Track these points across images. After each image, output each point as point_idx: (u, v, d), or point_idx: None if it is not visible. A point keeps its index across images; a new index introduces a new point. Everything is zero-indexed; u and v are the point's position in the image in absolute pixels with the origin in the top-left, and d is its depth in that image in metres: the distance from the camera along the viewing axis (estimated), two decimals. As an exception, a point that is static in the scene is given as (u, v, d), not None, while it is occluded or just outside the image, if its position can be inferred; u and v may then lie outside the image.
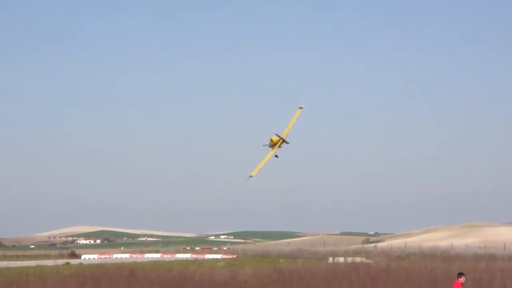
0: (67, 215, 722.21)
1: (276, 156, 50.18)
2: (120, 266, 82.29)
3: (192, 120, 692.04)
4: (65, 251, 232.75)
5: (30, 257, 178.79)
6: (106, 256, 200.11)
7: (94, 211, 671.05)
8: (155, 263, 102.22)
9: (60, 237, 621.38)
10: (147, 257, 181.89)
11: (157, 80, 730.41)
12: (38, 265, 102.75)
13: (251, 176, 50.71)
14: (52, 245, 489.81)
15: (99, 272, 67.27)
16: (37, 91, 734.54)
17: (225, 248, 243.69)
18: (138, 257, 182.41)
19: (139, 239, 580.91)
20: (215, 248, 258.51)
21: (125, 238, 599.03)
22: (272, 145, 50.51)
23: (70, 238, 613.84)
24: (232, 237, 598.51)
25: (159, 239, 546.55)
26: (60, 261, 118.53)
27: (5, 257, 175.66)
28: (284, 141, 50.65)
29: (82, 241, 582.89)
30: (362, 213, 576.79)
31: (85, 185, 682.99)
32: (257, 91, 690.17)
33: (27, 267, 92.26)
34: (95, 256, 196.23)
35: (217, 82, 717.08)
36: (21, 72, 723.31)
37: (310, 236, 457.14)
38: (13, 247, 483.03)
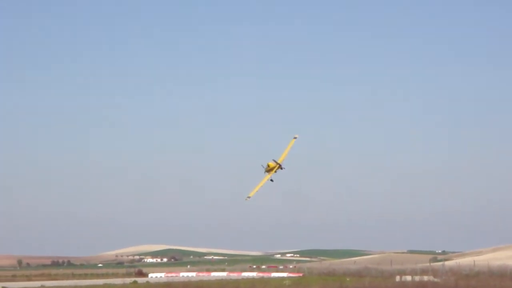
0: (134, 234, 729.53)
1: (271, 180, 54.28)
2: (186, 285, 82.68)
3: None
4: (132, 270, 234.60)
5: (98, 276, 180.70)
6: (173, 274, 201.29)
7: (161, 230, 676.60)
8: (221, 281, 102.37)
9: (128, 256, 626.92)
10: (214, 276, 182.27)
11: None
12: (105, 284, 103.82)
13: (249, 197, 54.64)
14: (120, 264, 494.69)
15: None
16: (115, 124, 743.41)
17: (291, 267, 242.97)
18: (204, 276, 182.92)
19: (205, 257, 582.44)
20: (281, 267, 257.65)
21: (191, 257, 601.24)
22: (269, 170, 54.37)
23: (137, 257, 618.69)
24: (298, 255, 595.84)
25: (225, 257, 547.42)
26: (128, 280, 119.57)
27: (74, 276, 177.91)
28: (280, 166, 54.38)
29: (149, 260, 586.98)
30: (429, 231, 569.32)
31: (151, 205, 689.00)
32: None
33: (95, 286, 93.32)
34: (162, 274, 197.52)
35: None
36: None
37: (376, 254, 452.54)
38: (82, 265, 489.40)
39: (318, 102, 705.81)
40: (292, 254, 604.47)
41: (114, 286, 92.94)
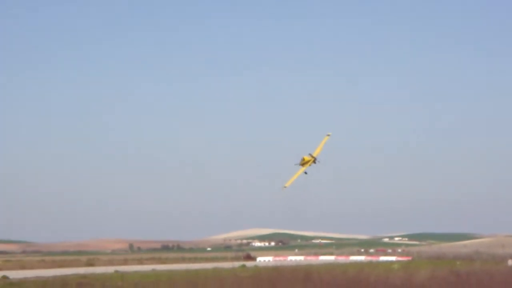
0: (243, 218, 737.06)
1: (305, 173, 58.24)
2: (295, 269, 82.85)
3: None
4: (240, 254, 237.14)
5: (207, 260, 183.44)
6: (281, 258, 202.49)
7: (269, 214, 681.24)
8: (329, 265, 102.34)
9: (236, 240, 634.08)
10: (321, 259, 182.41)
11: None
12: (215, 268, 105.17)
13: (285, 187, 59.17)
14: (228, 248, 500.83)
15: (275, 274, 68.04)
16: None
17: (399, 250, 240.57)
18: (312, 259, 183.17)
19: (312, 241, 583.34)
20: (389, 250, 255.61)
21: (299, 240, 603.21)
22: (303, 163, 57.91)
23: (245, 241, 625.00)
24: (406, 239, 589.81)
25: (333, 241, 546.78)
26: (236, 264, 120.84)
27: (184, 260, 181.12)
28: (315, 160, 58.03)
29: (257, 244, 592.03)
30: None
31: (259, 189, 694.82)
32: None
33: (204, 270, 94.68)
34: (270, 258, 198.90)
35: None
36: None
37: (487, 237, 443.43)
38: (191, 250, 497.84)
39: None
40: (400, 238, 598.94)
41: (223, 270, 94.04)
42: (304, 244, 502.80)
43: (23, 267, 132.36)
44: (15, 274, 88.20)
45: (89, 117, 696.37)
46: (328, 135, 61.66)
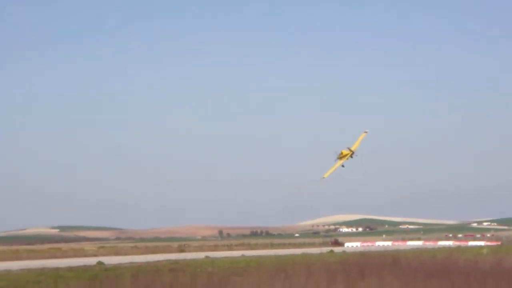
0: (330, 204, 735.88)
1: (343, 166, 61.02)
2: (383, 254, 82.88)
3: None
4: (328, 239, 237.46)
5: (295, 246, 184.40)
6: (368, 243, 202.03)
7: (356, 200, 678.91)
8: (417, 251, 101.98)
9: (323, 226, 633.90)
10: (409, 245, 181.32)
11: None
12: (303, 253, 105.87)
13: (323, 177, 62.03)
14: (316, 234, 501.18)
15: (363, 260, 68.33)
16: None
17: (488, 235, 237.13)
18: (400, 245, 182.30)
19: (400, 226, 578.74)
20: (478, 235, 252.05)
21: (386, 226, 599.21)
22: (341, 157, 60.64)
23: (332, 227, 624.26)
24: (495, 223, 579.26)
25: (420, 226, 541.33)
26: (324, 249, 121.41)
27: (272, 246, 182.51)
28: (352, 154, 60.51)
29: (344, 229, 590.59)
30: None
31: (345, 176, 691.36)
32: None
33: (293, 255, 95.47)
34: (358, 244, 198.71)
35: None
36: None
37: None
38: (279, 235, 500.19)
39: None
40: (489, 223, 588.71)
41: (311, 256, 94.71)
42: (392, 230, 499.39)
43: (117, 253, 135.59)
44: (109, 260, 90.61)
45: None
46: (366, 132, 64.39)
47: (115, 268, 70.85)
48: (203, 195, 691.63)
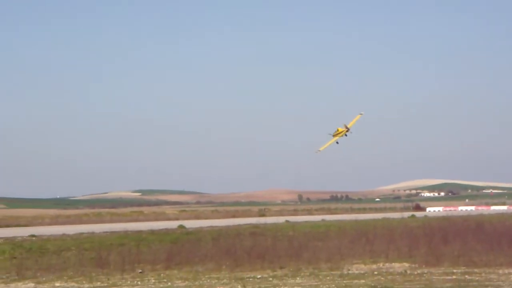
0: (411, 168, 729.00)
1: (337, 142, 64.65)
2: (466, 219, 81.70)
3: None
4: (409, 204, 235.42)
5: (376, 210, 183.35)
6: (451, 208, 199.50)
7: (438, 164, 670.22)
8: (502, 216, 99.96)
9: (404, 190, 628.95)
10: (493, 209, 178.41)
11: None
12: (384, 218, 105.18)
13: (319, 150, 64.89)
14: (397, 198, 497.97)
15: (446, 224, 67.40)
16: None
17: None
18: (483, 209, 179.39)
19: (483, 191, 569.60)
20: None
21: (469, 191, 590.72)
22: (336, 134, 64.06)
23: (414, 191, 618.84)
24: None
25: (505, 191, 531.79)
26: (406, 214, 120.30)
27: (352, 210, 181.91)
28: (348, 131, 64.10)
29: (426, 194, 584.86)
30: None
31: (426, 139, 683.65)
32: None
33: (374, 220, 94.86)
34: (440, 208, 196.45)
35: None
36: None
37: None
38: (359, 200, 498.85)
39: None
40: None
41: (393, 220, 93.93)
42: (475, 194, 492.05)
43: (197, 217, 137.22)
44: (190, 224, 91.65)
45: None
46: (361, 114, 67.36)
47: (196, 231, 71.58)
48: (283, 159, 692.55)
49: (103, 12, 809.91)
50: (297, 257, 39.40)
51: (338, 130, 65.12)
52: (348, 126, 65.08)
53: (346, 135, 65.18)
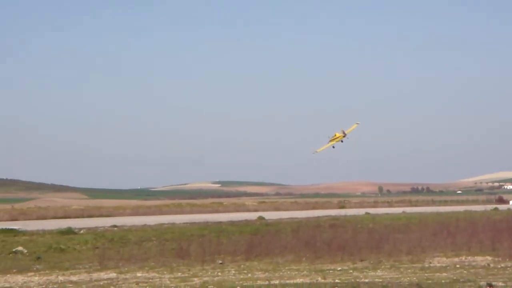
0: (494, 161, 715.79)
1: (333, 147, 66.30)
2: (551, 212, 79.89)
3: None
4: (492, 197, 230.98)
5: (457, 203, 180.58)
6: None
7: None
8: None
9: (487, 183, 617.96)
10: None
11: None
12: (466, 210, 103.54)
13: (316, 152, 66.33)
14: (479, 191, 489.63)
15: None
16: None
17: None
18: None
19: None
20: None
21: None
22: (333, 138, 65.83)
23: (496, 184, 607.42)
24: None
25: None
26: (488, 207, 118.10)
27: (433, 203, 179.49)
28: (345, 136, 65.78)
29: (509, 187, 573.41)
30: None
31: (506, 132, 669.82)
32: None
33: (455, 212, 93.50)
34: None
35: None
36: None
37: None
38: (441, 192, 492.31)
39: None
40: None
41: (475, 213, 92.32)
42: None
43: (277, 208, 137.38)
44: (270, 215, 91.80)
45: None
46: (357, 123, 69.57)
47: (276, 223, 71.69)
48: (363, 151, 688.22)
49: None
50: (377, 249, 39.05)
51: (335, 135, 67.24)
52: (347, 131, 67.44)
53: (342, 141, 67.33)
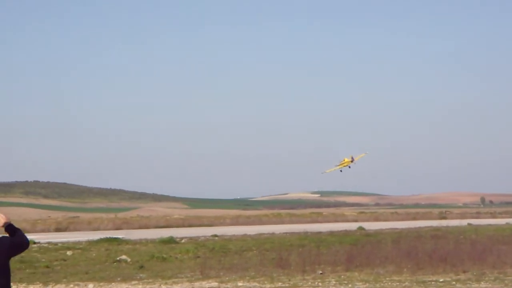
0: None
1: (341, 171, 72.75)
2: None
3: None
4: None
5: None
6: None
7: None
8: None
9: None
10: None
11: None
12: None
13: (325, 172, 74.22)
14: None
15: None
16: None
17: None
18: None
19: None
20: None
21: None
22: (341, 164, 72.21)
23: None
24: None
25: None
26: None
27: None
28: (352, 161, 72.30)
29: None
30: None
31: None
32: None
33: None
34: None
35: None
36: None
37: None
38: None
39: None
40: None
41: None
42: None
43: (377, 218, 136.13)
44: (369, 225, 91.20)
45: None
46: (366, 153, 76.50)
47: (376, 233, 71.13)
48: (465, 161, 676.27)
49: None
50: (480, 261, 38.24)
51: (344, 160, 73.32)
52: (355, 159, 73.42)
53: (349, 166, 73.22)
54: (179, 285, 31.84)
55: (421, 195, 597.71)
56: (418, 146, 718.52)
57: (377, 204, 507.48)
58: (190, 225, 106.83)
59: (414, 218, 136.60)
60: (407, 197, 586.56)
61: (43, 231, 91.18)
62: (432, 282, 30.65)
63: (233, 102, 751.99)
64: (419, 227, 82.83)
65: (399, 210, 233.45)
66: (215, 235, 68.78)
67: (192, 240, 62.54)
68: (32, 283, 32.77)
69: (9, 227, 9.92)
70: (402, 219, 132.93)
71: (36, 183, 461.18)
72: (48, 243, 56.18)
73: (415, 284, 30.15)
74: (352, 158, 72.88)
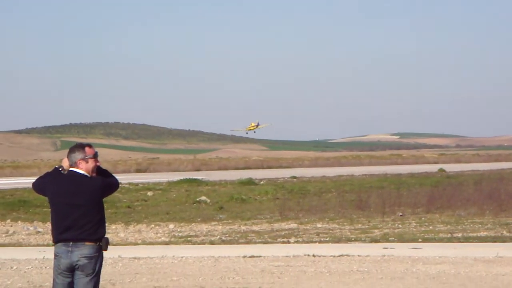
0: None
1: (246, 133, 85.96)
2: None
3: None
4: None
5: None
6: None
7: None
8: None
9: None
10: None
11: None
12: None
13: (233, 130, 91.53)
14: None
15: None
16: None
17: None
18: None
19: None
20: None
21: None
22: (249, 128, 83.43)
23: None
24: None
25: None
26: None
27: None
28: (257, 126, 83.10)
29: None
30: None
31: None
32: None
33: None
34: None
35: None
36: None
37: None
38: None
39: None
40: None
41: None
42: None
43: (458, 160, 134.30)
44: (450, 167, 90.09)
45: None
46: (270, 124, 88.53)
47: (457, 175, 70.24)
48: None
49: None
50: None
51: (251, 124, 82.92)
52: (259, 127, 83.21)
53: (254, 131, 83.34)
54: (258, 226, 31.98)
55: (504, 136, 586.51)
56: (502, 87, 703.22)
57: (458, 146, 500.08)
58: (269, 167, 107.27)
59: (497, 160, 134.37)
60: (489, 139, 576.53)
61: (124, 171, 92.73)
62: (516, 224, 30.06)
63: (316, 50, 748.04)
64: (502, 169, 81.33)
65: (480, 152, 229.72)
66: (294, 177, 68.86)
67: (271, 181, 62.75)
68: (114, 223, 33.32)
69: (99, 169, 10.35)
70: (484, 161, 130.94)
71: (116, 125, 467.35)
72: (129, 183, 56.97)
73: (497, 226, 29.60)
74: (258, 123, 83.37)
